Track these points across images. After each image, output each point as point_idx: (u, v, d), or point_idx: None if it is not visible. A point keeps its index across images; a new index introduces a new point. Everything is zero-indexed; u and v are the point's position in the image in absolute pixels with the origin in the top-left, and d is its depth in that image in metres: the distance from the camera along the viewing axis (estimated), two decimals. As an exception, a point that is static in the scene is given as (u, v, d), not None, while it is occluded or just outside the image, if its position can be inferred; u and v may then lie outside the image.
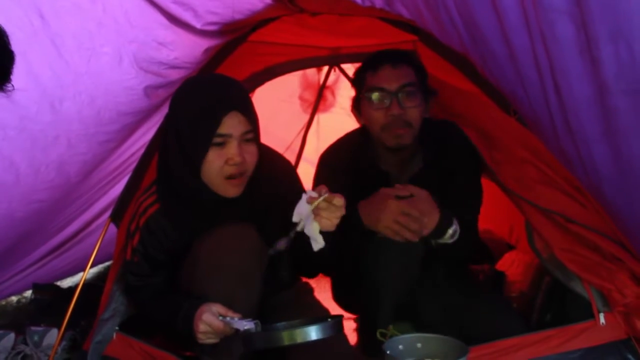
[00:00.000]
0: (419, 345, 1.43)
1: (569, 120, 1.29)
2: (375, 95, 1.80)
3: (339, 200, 1.45)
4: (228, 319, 1.46)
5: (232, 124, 1.50)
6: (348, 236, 1.76)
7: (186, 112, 1.54)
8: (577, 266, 1.59)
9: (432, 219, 1.65)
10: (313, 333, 1.40)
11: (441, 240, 1.71)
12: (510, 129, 1.73)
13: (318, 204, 1.43)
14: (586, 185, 1.51)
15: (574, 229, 1.59)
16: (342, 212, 1.47)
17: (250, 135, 1.55)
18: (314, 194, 1.45)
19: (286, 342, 1.42)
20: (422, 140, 1.87)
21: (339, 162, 1.94)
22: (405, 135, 1.80)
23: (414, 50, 2.16)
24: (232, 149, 1.51)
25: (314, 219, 1.45)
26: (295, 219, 1.47)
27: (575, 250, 1.60)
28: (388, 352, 1.36)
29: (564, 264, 1.61)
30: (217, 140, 1.51)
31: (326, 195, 1.44)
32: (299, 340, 1.40)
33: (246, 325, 1.42)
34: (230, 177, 1.54)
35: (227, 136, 1.51)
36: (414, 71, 1.82)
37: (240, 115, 1.51)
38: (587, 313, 1.58)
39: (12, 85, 0.89)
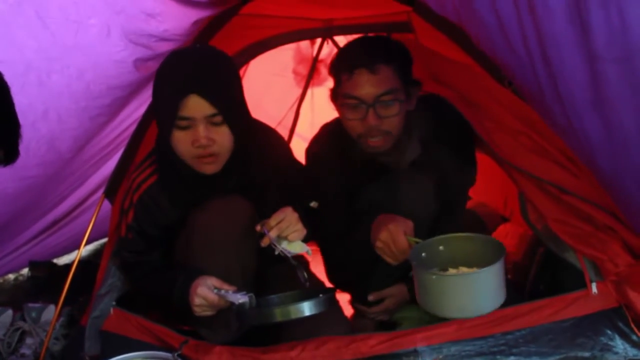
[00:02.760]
0: (441, 247, 1.39)
1: (559, 90, 1.28)
2: (351, 104, 1.69)
3: (274, 219, 1.48)
4: (223, 292, 1.47)
5: (192, 108, 1.47)
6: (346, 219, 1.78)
7: (155, 92, 1.55)
8: (570, 237, 1.61)
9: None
10: (306, 309, 1.42)
11: None
12: (504, 100, 1.72)
13: (273, 235, 1.47)
14: (579, 156, 1.51)
15: (567, 200, 1.59)
16: (294, 216, 1.49)
17: (217, 119, 1.50)
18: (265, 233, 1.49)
19: (279, 319, 1.44)
20: (416, 123, 1.79)
21: (326, 155, 1.87)
22: (382, 145, 1.73)
23: (393, 37, 1.96)
24: (196, 131, 1.49)
25: (288, 242, 1.49)
26: (277, 252, 1.50)
27: (569, 221, 1.61)
28: (415, 262, 1.33)
29: (558, 235, 1.62)
30: (182, 123, 1.49)
31: (264, 229, 1.48)
32: (292, 316, 1.43)
33: (240, 298, 1.43)
34: (200, 157, 1.53)
35: (190, 119, 1.48)
36: (395, 71, 1.68)
37: (200, 99, 1.47)
38: (579, 283, 1.60)
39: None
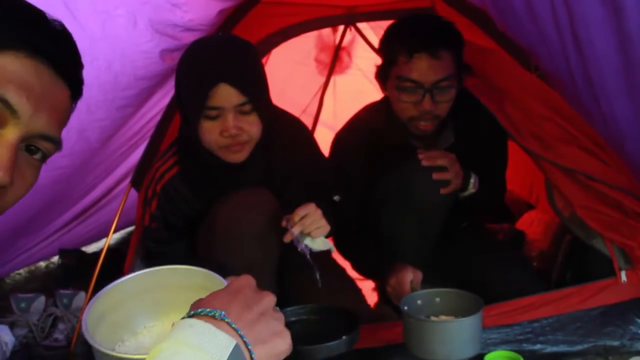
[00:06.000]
0: (437, 299, 1.44)
1: (590, 76, 1.25)
2: (407, 87, 1.67)
3: (297, 214, 1.47)
4: None
5: (222, 97, 1.44)
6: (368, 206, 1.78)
7: (180, 82, 1.53)
8: (599, 224, 1.58)
9: (459, 178, 1.69)
10: (334, 350, 1.32)
11: (466, 193, 1.75)
12: (531, 85, 1.69)
13: (296, 232, 1.46)
14: (608, 141, 1.49)
15: (595, 187, 1.57)
16: (317, 212, 1.48)
17: (247, 107, 1.47)
18: (288, 228, 1.48)
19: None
20: (452, 112, 1.76)
21: (356, 142, 1.86)
22: (431, 129, 1.73)
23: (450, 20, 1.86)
24: (226, 121, 1.46)
25: (312, 238, 1.49)
26: (299, 249, 1.49)
27: (597, 208, 1.59)
28: (405, 308, 1.38)
29: (585, 222, 1.60)
30: (210, 113, 1.46)
31: (288, 225, 1.47)
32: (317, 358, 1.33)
33: None
34: (228, 146, 1.52)
35: (220, 109, 1.46)
36: (453, 56, 1.66)
37: (231, 88, 1.44)
38: (608, 271, 1.57)
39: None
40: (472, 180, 1.74)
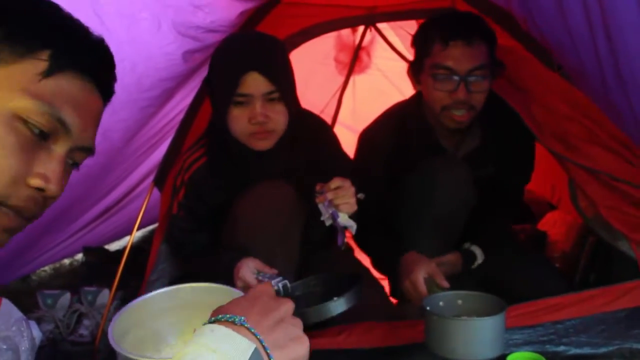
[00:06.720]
0: (459, 302, 1.44)
1: (620, 69, 1.23)
2: (441, 75, 1.68)
3: (334, 183, 1.47)
4: (261, 276, 1.49)
5: (251, 84, 1.52)
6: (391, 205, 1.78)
7: (213, 70, 1.61)
8: (624, 225, 1.56)
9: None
10: (337, 308, 1.33)
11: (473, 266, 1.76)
12: (554, 84, 1.68)
13: (329, 197, 1.46)
14: (636, 140, 1.46)
15: (620, 187, 1.55)
16: (351, 189, 1.49)
17: (275, 96, 1.55)
18: (319, 194, 1.49)
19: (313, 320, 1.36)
20: (480, 114, 1.76)
21: (384, 139, 1.87)
22: (466, 121, 1.73)
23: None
24: (254, 108, 1.54)
25: (337, 210, 1.48)
26: (327, 222, 1.50)
27: (622, 208, 1.57)
28: (428, 308, 1.38)
29: (610, 223, 1.58)
30: (239, 99, 1.54)
31: (323, 189, 1.48)
32: (322, 318, 1.35)
33: (274, 286, 1.43)
34: (255, 134, 1.57)
35: (249, 96, 1.53)
36: (487, 48, 1.68)
37: (260, 76, 1.52)
38: (633, 273, 1.55)
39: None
40: (475, 264, 1.75)
